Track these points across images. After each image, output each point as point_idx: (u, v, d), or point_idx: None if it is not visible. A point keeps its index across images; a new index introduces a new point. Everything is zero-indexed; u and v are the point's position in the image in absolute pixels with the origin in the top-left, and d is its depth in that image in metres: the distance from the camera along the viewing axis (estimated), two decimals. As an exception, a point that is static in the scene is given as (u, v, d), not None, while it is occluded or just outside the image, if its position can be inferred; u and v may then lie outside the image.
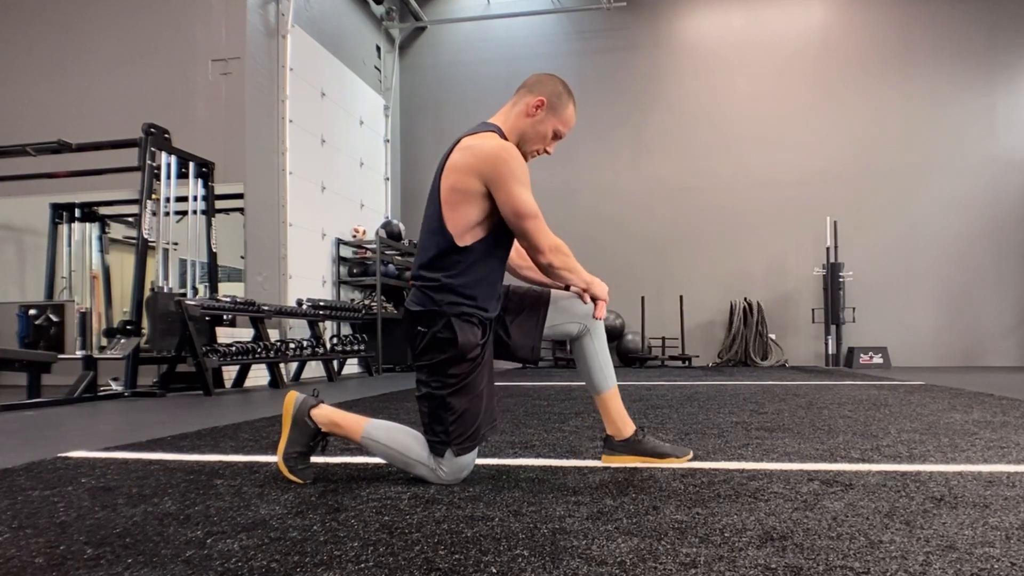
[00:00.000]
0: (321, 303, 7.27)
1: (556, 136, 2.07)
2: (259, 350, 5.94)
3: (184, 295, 5.95)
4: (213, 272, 6.40)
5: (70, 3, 7.39)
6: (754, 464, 2.22)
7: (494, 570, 1.23)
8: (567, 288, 2.12)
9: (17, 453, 2.67)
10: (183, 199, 6.16)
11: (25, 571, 1.27)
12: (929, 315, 9.39)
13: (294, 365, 7.10)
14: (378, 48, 10.06)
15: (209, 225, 6.37)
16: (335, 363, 7.32)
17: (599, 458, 2.30)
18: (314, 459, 2.09)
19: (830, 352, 9.16)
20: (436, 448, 1.93)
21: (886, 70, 9.63)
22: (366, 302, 8.71)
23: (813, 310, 9.49)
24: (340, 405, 2.19)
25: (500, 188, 1.88)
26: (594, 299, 2.09)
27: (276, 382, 6.15)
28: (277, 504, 1.75)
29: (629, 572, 1.22)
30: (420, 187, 10.67)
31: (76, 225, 7.13)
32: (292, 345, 6.42)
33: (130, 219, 7.04)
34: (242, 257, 6.81)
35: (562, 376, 7.17)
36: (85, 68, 7.26)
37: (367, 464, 2.30)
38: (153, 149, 5.63)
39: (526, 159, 2.02)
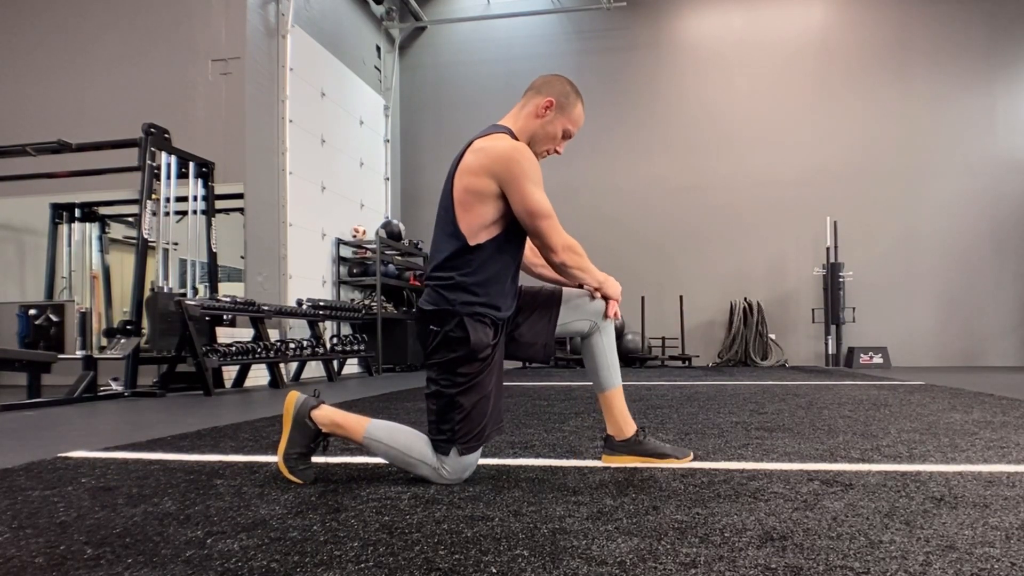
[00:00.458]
0: (321, 303, 7.27)
1: (566, 135, 2.09)
2: (259, 350, 5.94)
3: (184, 295, 5.95)
4: (213, 272, 6.39)
5: (70, 3, 7.39)
6: (754, 464, 2.22)
7: (494, 570, 1.23)
8: (580, 287, 2.14)
9: (17, 453, 2.67)
10: (183, 199, 6.16)
11: (25, 571, 1.27)
12: (929, 315, 9.39)
13: (294, 365, 7.10)
14: (378, 48, 10.06)
15: (209, 225, 6.37)
16: (335, 363, 7.32)
17: (599, 458, 2.30)
18: (314, 459, 2.09)
19: (830, 352, 9.16)
20: (441, 446, 1.93)
21: (886, 70, 9.63)
22: (366, 302, 8.71)
23: (813, 310, 9.49)
24: (340, 405, 2.19)
25: (513, 188, 1.90)
26: (606, 298, 2.11)
27: (276, 382, 6.15)
28: (277, 504, 1.75)
29: (629, 572, 1.22)
30: (420, 187, 10.68)
31: (76, 225, 7.13)
32: (292, 345, 6.42)
33: (130, 219, 7.04)
34: (242, 257, 6.81)
35: (562, 376, 7.17)
36: (85, 68, 7.27)
37: (367, 464, 2.30)
38: (153, 149, 5.63)
39: (537, 159, 2.03)
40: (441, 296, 1.92)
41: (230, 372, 6.07)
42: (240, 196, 6.76)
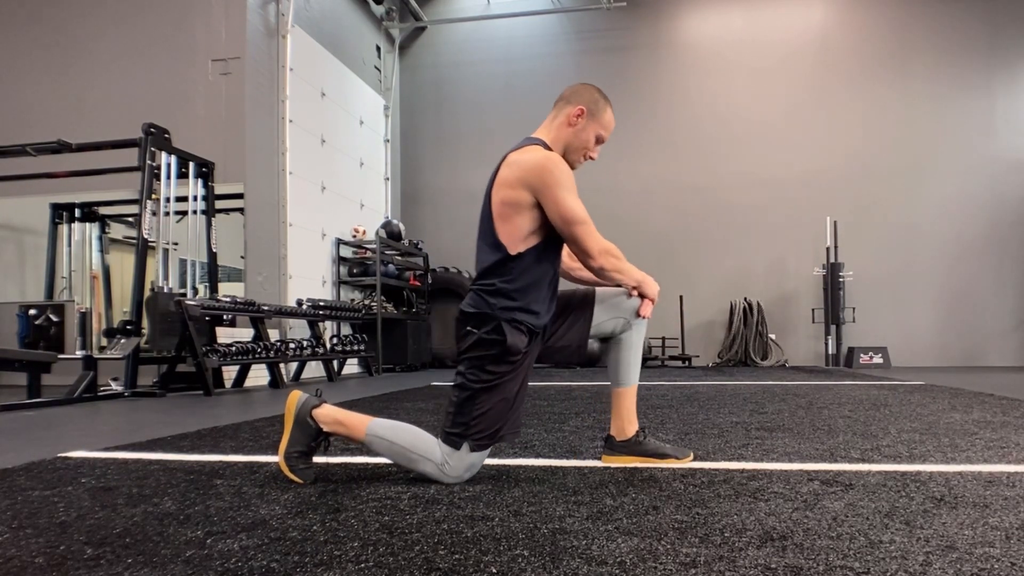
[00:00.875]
0: (321, 303, 7.27)
1: (599, 141, 2.15)
2: (259, 350, 5.94)
3: (184, 295, 5.95)
4: (213, 272, 6.39)
5: (70, 3, 7.39)
6: (754, 464, 2.22)
7: (494, 570, 1.23)
8: (618, 286, 2.17)
9: (17, 453, 2.66)
10: (183, 199, 6.16)
11: (25, 571, 1.27)
12: (929, 315, 9.39)
13: (294, 365, 7.10)
14: (378, 48, 10.06)
15: (209, 225, 6.37)
16: (335, 363, 7.32)
17: (599, 458, 2.30)
18: (314, 460, 2.09)
19: (830, 352, 9.16)
20: (453, 440, 1.95)
21: (886, 70, 9.63)
22: (366, 302, 8.71)
23: (813, 310, 9.49)
24: (340, 405, 2.19)
25: (547, 196, 1.95)
26: (642, 296, 2.14)
27: (276, 382, 6.15)
28: (277, 504, 1.75)
29: (629, 572, 1.22)
30: (420, 187, 10.68)
31: (76, 225, 7.13)
32: (292, 345, 6.42)
33: (130, 219, 7.04)
34: (242, 257, 6.80)
35: (562, 376, 7.17)
36: (85, 68, 7.26)
37: (367, 464, 2.30)
38: (153, 149, 5.63)
39: (573, 167, 2.10)
40: (482, 300, 1.98)
41: (230, 372, 6.07)
42: (240, 196, 6.75)
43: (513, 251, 1.97)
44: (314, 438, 2.00)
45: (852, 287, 9.32)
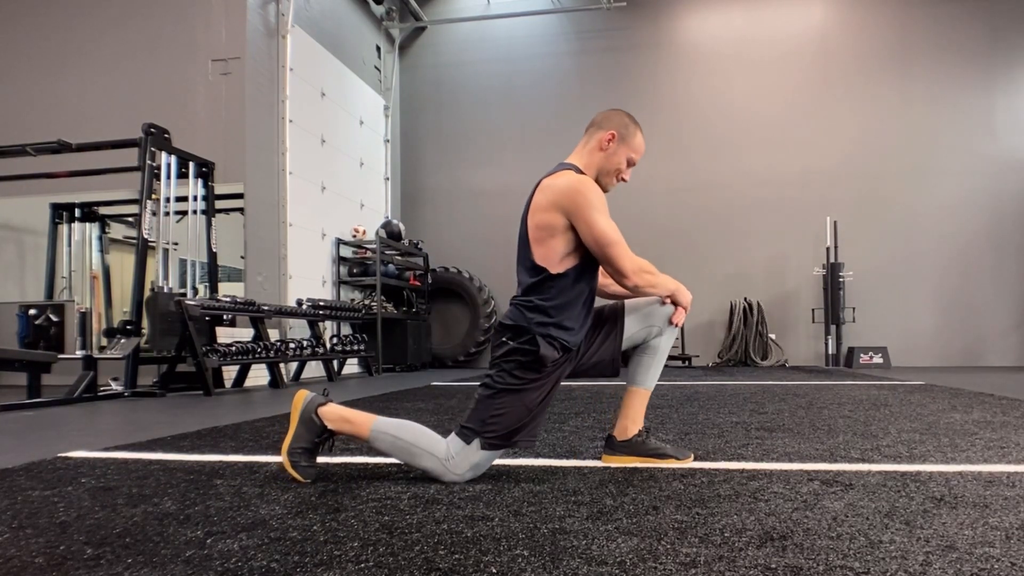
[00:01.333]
0: (321, 303, 7.27)
1: (630, 163, 2.21)
2: (259, 350, 5.94)
3: (184, 295, 5.94)
4: (213, 272, 6.39)
5: (70, 3, 7.39)
6: (754, 464, 2.22)
7: (494, 570, 1.23)
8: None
9: (17, 453, 2.67)
10: (183, 199, 6.16)
11: (25, 571, 1.27)
12: (929, 315, 9.39)
13: (294, 365, 7.10)
14: (378, 48, 10.06)
15: (209, 225, 6.37)
16: (335, 363, 7.32)
17: (599, 458, 2.31)
18: (317, 459, 2.10)
19: (830, 352, 9.16)
20: (465, 433, 1.98)
21: (886, 70, 9.63)
22: (366, 302, 8.71)
23: (813, 310, 9.49)
24: (341, 405, 2.21)
25: (580, 219, 2.01)
26: (675, 303, 2.19)
27: (276, 382, 6.15)
28: (277, 504, 1.75)
29: (629, 572, 1.22)
30: (420, 187, 10.68)
31: (76, 225, 7.12)
32: (292, 345, 6.42)
33: (130, 219, 7.04)
34: (242, 257, 6.80)
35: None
36: (85, 68, 7.26)
37: (367, 464, 2.30)
38: (153, 149, 5.63)
39: (606, 190, 2.15)
40: (520, 314, 2.05)
41: (230, 372, 6.07)
42: (240, 196, 6.75)
43: (553, 271, 2.03)
44: (318, 435, 2.02)
45: (852, 287, 9.32)
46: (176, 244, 6.18)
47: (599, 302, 2.25)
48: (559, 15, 10.43)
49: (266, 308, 6.23)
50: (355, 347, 7.58)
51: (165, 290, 5.65)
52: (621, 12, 10.18)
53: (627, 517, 1.58)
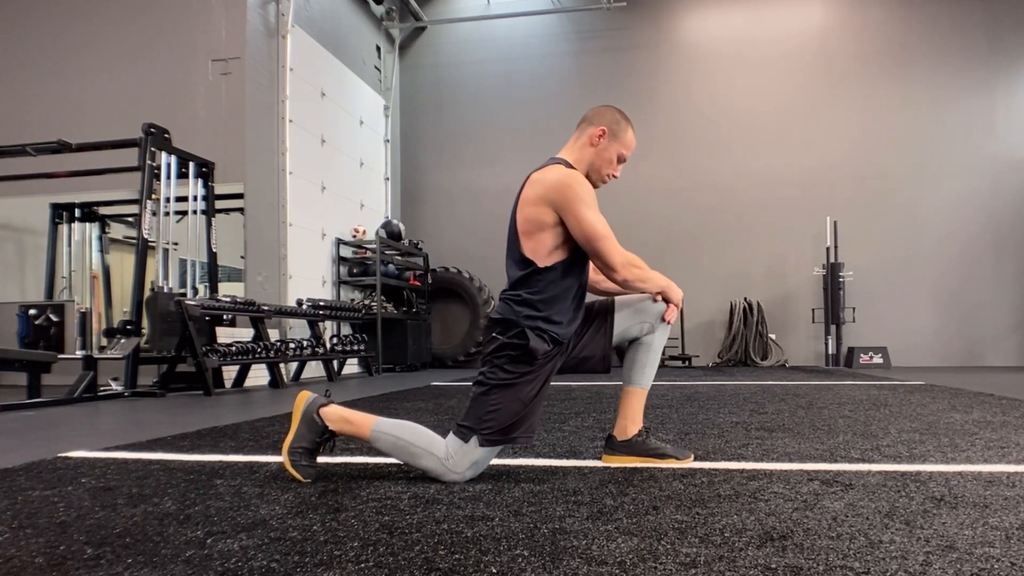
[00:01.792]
0: (321, 303, 7.27)
1: (620, 159, 2.20)
2: (259, 350, 5.93)
3: (184, 295, 5.95)
4: (213, 272, 6.39)
5: (70, 3, 7.39)
6: (754, 464, 2.22)
7: (494, 570, 1.23)
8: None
9: (17, 453, 2.66)
10: (183, 199, 6.16)
11: (25, 571, 1.27)
12: (929, 315, 9.39)
13: (294, 365, 7.10)
14: (378, 48, 10.06)
15: (209, 225, 6.37)
16: (335, 363, 7.32)
17: (599, 458, 2.31)
18: (317, 460, 2.10)
19: (830, 352, 9.16)
20: (463, 431, 1.99)
21: (886, 70, 9.63)
22: (366, 302, 8.71)
23: (813, 310, 9.49)
24: (341, 405, 2.21)
25: (568, 213, 2.01)
26: (667, 301, 2.18)
27: (276, 382, 6.15)
28: (277, 504, 1.75)
29: (629, 572, 1.22)
30: (420, 187, 10.68)
31: (76, 225, 7.12)
32: (292, 345, 6.42)
33: (130, 219, 7.04)
34: (242, 257, 6.80)
35: (561, 376, 7.16)
36: (85, 68, 7.26)
37: (367, 464, 2.30)
38: (153, 149, 5.63)
39: (596, 186, 2.16)
40: (509, 308, 2.06)
41: (230, 372, 6.07)
42: (240, 196, 6.75)
43: (541, 264, 2.03)
44: (319, 435, 2.03)
45: (852, 287, 9.32)
46: (176, 244, 6.18)
47: (590, 298, 2.25)
48: (559, 15, 10.43)
49: (266, 308, 6.23)
50: (355, 347, 7.58)
51: (165, 290, 5.65)
52: (621, 12, 10.18)
53: (627, 517, 1.58)
